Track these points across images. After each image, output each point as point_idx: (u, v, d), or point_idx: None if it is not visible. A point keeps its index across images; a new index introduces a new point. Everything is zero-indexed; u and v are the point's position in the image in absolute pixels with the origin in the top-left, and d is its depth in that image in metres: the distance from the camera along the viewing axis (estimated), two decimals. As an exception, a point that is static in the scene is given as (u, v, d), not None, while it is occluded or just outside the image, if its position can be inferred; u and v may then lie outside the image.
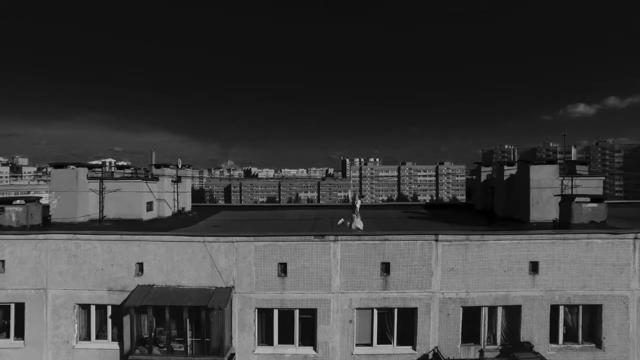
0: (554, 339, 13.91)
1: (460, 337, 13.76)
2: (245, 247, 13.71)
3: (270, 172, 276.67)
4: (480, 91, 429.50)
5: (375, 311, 13.81)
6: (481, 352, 13.73)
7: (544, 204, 18.39)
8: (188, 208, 24.28)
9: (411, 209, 25.86)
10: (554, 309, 13.85)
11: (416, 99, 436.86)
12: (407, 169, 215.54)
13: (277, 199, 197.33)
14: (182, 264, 13.75)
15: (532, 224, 18.29)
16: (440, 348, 13.60)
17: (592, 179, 19.92)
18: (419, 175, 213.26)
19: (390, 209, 26.00)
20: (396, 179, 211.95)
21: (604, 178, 20.17)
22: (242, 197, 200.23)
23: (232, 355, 13.45)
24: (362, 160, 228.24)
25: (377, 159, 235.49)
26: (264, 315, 13.95)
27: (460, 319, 13.74)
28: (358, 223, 15.73)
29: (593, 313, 13.91)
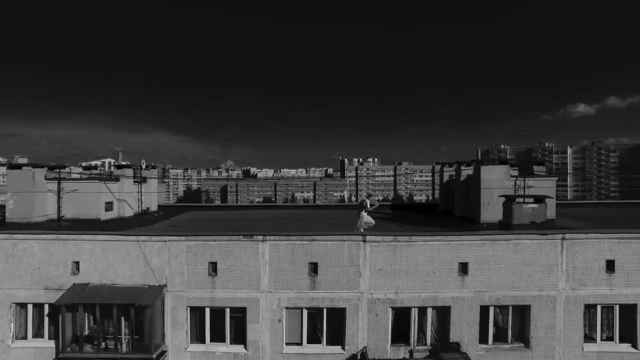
0: (484, 339, 13.97)
1: (389, 337, 13.87)
2: (176, 246, 13.96)
3: (270, 172, 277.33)
4: (480, 91, 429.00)
5: (305, 311, 13.98)
6: (411, 352, 13.82)
7: (494, 205, 18.38)
8: (154, 208, 24.61)
9: (376, 209, 25.88)
10: (484, 310, 13.90)
11: (416, 99, 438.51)
12: (403, 169, 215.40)
13: (273, 199, 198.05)
14: (117, 262, 14.04)
15: (483, 224, 18.34)
16: (369, 348, 13.72)
17: (545, 180, 19.86)
18: (415, 175, 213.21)
19: (355, 209, 26.11)
20: (392, 179, 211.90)
21: (557, 178, 20.10)
22: (239, 198, 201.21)
23: (164, 352, 13.71)
24: (361, 160, 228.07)
25: (376, 159, 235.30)
26: (197, 313, 14.18)
27: (390, 319, 13.85)
28: (368, 220, 16.16)
29: (522, 313, 13.95)
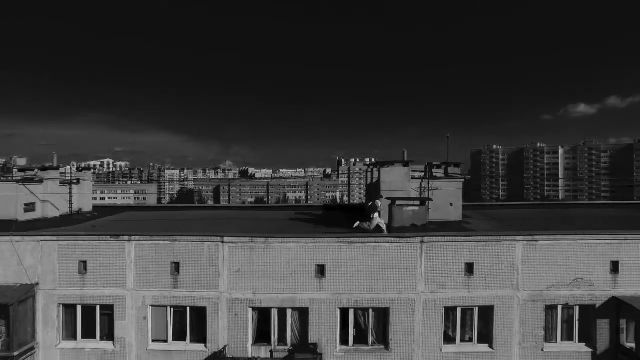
0: (346, 340, 14.15)
1: (250, 337, 14.14)
2: (49, 245, 14.44)
3: (268, 173, 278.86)
4: (480, 91, 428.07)
5: (171, 309, 14.34)
6: (271, 352, 14.08)
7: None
8: (88, 209, 25.23)
9: (306, 210, 26.14)
10: (345, 312, 14.09)
11: (416, 99, 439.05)
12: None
13: (266, 200, 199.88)
14: (-7, 261, 14.58)
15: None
16: (230, 347, 14.02)
17: (451, 181, 19.87)
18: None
19: (284, 210, 26.43)
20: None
21: (463, 180, 20.09)
22: (233, 198, 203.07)
23: (30, 349, 14.18)
24: (358, 160, 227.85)
25: (373, 159, 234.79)
26: (69, 310, 14.65)
27: (250, 319, 14.13)
28: (381, 223, 16.08)
29: (384, 316, 14.08)
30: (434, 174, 22.36)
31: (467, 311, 14.12)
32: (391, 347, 13.89)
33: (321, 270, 13.92)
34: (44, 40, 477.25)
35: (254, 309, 14.15)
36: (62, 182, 23.32)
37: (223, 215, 25.20)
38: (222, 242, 13.99)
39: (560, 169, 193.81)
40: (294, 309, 14.10)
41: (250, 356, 13.98)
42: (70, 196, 23.85)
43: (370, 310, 14.09)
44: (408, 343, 13.88)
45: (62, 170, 24.69)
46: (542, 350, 13.90)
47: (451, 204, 19.73)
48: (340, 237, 14.17)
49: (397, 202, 16.16)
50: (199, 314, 14.28)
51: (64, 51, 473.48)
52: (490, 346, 13.96)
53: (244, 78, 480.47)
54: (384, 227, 16.00)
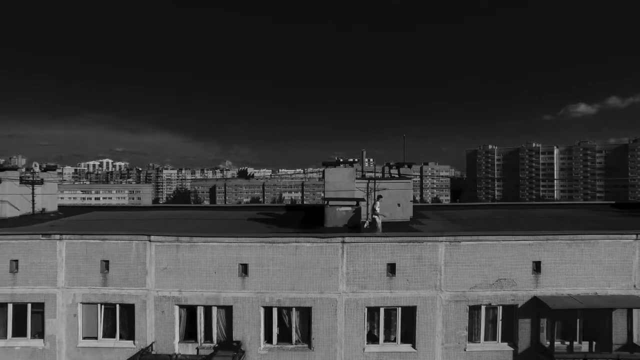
0: (271, 339, 14.33)
1: (177, 334, 14.36)
2: (-18, 244, 14.76)
3: (267, 173, 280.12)
4: (480, 91, 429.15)
5: (101, 306, 14.60)
6: (197, 349, 14.29)
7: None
8: (52, 209, 25.59)
9: (268, 210, 26.35)
10: (269, 310, 14.27)
11: (417, 99, 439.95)
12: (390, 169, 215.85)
13: (261, 200, 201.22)
14: None
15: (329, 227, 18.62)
16: (158, 344, 14.25)
17: (400, 182, 19.98)
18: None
19: (246, 210, 26.66)
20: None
21: (411, 181, 20.19)
22: (229, 198, 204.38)
23: (-38, 345, 14.50)
24: (357, 160, 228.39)
25: (371, 159, 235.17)
26: (1, 309, 14.89)
27: (177, 316, 14.35)
28: (378, 223, 16.43)
29: (306, 315, 14.24)
30: (393, 175, 22.53)
31: (390, 311, 14.24)
32: (314, 346, 14.04)
33: (244, 269, 14.12)
34: (44, 40, 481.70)
35: (180, 306, 14.37)
36: (23, 182, 23.70)
37: (190, 215, 25.49)
38: (150, 240, 14.23)
39: (555, 169, 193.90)
40: (219, 306, 14.31)
41: (176, 353, 14.19)
42: (33, 196, 24.21)
43: (294, 309, 14.25)
44: (331, 342, 14.02)
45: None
46: (465, 350, 13.99)
47: (399, 204, 19.85)
48: (263, 236, 14.35)
49: (330, 203, 16.33)
50: (128, 311, 14.52)
51: (64, 51, 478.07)
52: (414, 346, 14.07)
53: (244, 78, 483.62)
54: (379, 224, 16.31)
